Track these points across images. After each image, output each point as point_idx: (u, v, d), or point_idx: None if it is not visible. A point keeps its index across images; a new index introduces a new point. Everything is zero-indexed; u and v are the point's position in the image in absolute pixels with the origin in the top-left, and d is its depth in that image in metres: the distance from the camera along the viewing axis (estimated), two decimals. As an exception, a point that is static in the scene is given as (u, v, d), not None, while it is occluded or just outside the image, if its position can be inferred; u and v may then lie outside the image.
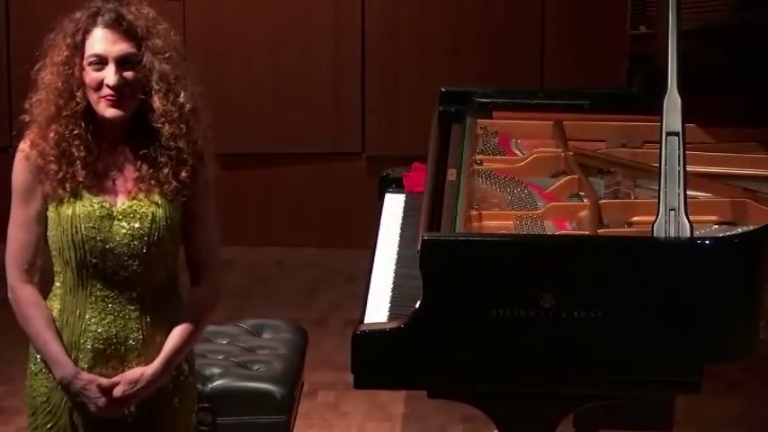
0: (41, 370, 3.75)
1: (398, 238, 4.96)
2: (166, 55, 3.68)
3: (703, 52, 4.75)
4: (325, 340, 5.57)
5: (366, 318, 4.42)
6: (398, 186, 5.33)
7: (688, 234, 4.26)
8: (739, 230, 4.49)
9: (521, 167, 5.08)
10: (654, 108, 4.45)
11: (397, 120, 7.24)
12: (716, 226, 4.59)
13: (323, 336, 5.54)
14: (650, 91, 4.68)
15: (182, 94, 3.69)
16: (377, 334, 4.30)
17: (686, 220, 4.27)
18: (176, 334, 3.76)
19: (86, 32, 3.65)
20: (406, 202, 5.21)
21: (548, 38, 7.42)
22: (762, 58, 5.11)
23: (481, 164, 5.06)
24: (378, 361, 4.31)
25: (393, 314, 4.41)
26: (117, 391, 3.68)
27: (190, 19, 7.35)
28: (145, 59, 3.65)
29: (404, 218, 5.11)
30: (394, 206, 5.24)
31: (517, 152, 5.20)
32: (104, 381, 3.67)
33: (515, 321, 4.24)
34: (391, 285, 4.63)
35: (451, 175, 4.91)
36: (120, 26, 3.64)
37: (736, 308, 4.36)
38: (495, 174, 5.00)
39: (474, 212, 4.66)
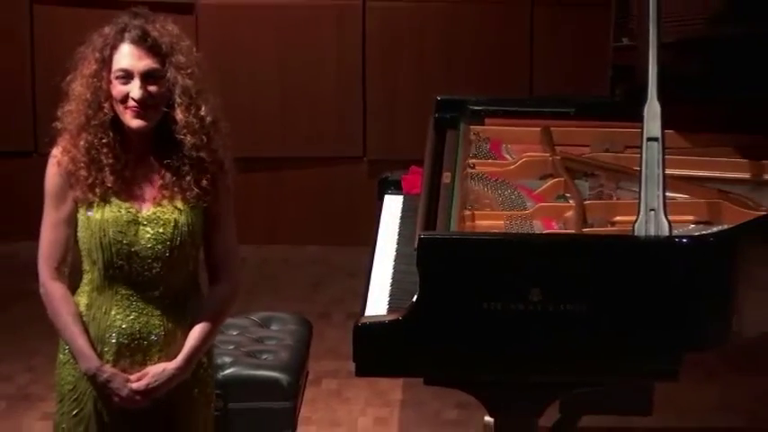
0: (69, 360, 3.75)
1: (397, 237, 4.97)
2: (189, 71, 3.68)
3: (681, 63, 4.76)
4: (328, 332, 5.57)
5: (366, 311, 4.43)
6: (397, 188, 5.34)
7: (667, 233, 4.27)
8: (714, 229, 4.50)
9: (511, 170, 5.08)
10: (635, 115, 4.45)
11: (395, 126, 7.24)
12: (693, 225, 4.59)
13: (326, 327, 5.55)
14: (632, 99, 4.67)
15: (203, 108, 3.69)
16: (377, 326, 4.30)
17: (665, 220, 4.28)
18: (197, 331, 3.76)
19: (114, 48, 3.64)
20: (404, 203, 5.21)
21: (536, 50, 7.43)
22: (735, 70, 5.12)
23: (474, 167, 5.06)
24: (377, 351, 4.31)
25: (392, 307, 4.41)
26: (141, 384, 3.68)
27: (203, 32, 7.35)
28: (168, 74, 3.65)
29: (402, 218, 5.11)
30: (393, 207, 5.24)
31: (507, 156, 5.21)
32: (128, 376, 3.69)
33: (506, 314, 4.25)
34: (390, 281, 4.63)
35: (446, 177, 4.91)
36: (145, 42, 3.64)
37: (712, 302, 4.36)
38: (487, 176, 5.01)
39: (467, 213, 4.66)
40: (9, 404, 5.88)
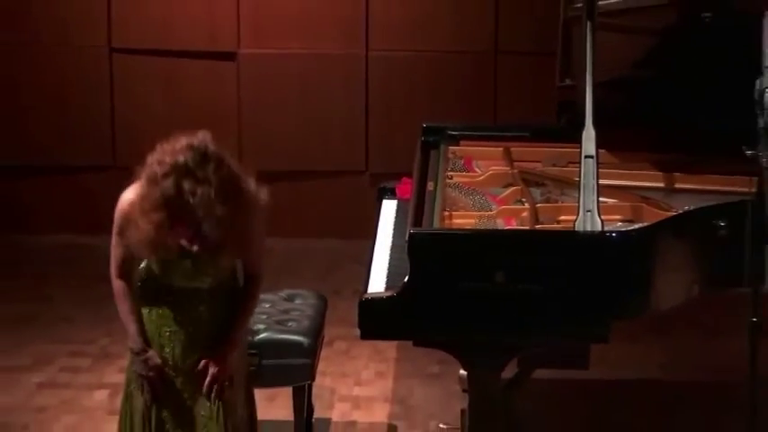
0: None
1: (392, 232, 4.96)
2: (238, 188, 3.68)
3: (610, 98, 4.76)
4: (339, 305, 5.57)
5: (369, 289, 4.42)
6: (392, 195, 5.32)
7: (599, 229, 4.27)
8: (636, 226, 4.50)
9: (480, 181, 5.08)
10: (575, 138, 4.46)
11: (392, 146, 7.23)
12: (620, 223, 4.58)
13: (338, 301, 5.55)
14: (573, 126, 4.68)
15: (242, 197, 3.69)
16: (377, 300, 4.30)
17: (598, 219, 4.28)
18: (236, 318, 3.81)
19: (178, 181, 3.60)
20: (397, 206, 5.20)
21: (499, 88, 7.42)
22: (651, 103, 5.13)
23: (452, 178, 5.06)
24: (377, 320, 4.31)
25: (388, 286, 4.40)
26: (207, 384, 3.72)
27: (242, 74, 7.34)
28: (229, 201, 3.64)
29: (396, 217, 5.11)
30: (389, 209, 5.23)
31: (477, 170, 5.20)
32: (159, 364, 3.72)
33: (476, 292, 4.25)
34: (387, 266, 4.63)
35: (430, 186, 4.91)
36: (206, 187, 3.60)
37: (634, 282, 4.37)
38: (462, 186, 5.01)
39: (446, 213, 4.66)
40: (94, 360, 5.87)
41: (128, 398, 3.83)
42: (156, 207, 3.59)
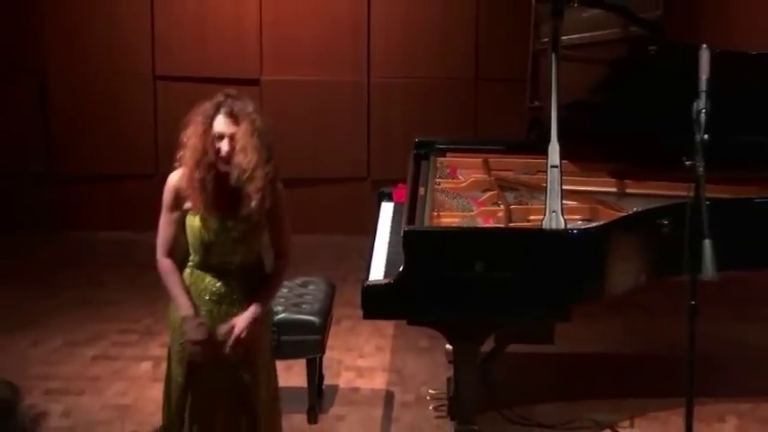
0: (176, 310, 3.73)
1: (390, 230, 4.96)
2: (259, 131, 3.65)
3: (572, 117, 4.76)
4: (345, 290, 5.58)
5: (370, 277, 4.42)
6: (390, 198, 5.30)
7: (563, 227, 4.27)
8: (593, 225, 4.50)
9: (463, 187, 5.07)
10: (543, 151, 4.46)
11: (390, 157, 7.23)
12: (580, 222, 4.59)
13: (344, 287, 5.55)
14: (541, 140, 4.68)
15: (264, 159, 3.65)
16: (377, 287, 4.30)
17: (562, 219, 4.27)
18: (263, 291, 3.75)
19: (213, 116, 3.61)
20: (394, 207, 5.19)
21: (479, 108, 7.42)
22: (605, 122, 5.12)
23: (439, 185, 5.06)
24: (377, 303, 4.31)
25: (387, 274, 4.40)
26: (233, 338, 3.64)
27: (265, 97, 7.34)
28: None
29: (393, 217, 5.10)
30: (387, 210, 5.22)
31: (461, 177, 5.20)
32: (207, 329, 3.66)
33: (460, 279, 4.24)
34: (385, 257, 4.62)
35: (421, 191, 4.91)
36: (233, 116, 3.61)
37: (591, 272, 4.36)
38: (448, 190, 5.00)
39: (435, 213, 4.65)
40: (140, 337, 5.87)
41: (170, 368, 3.80)
42: (197, 122, 3.61)
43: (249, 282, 3.74)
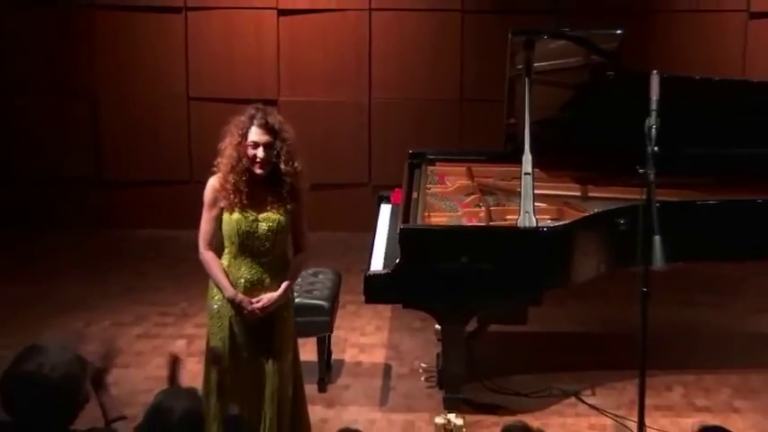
0: (214, 296, 3.74)
1: (388, 227, 4.98)
2: (288, 142, 3.68)
3: (543, 132, 4.77)
4: (350, 279, 5.58)
5: (371, 268, 4.45)
6: (388, 201, 5.33)
7: (535, 225, 4.29)
8: (560, 223, 4.51)
9: (450, 191, 5.10)
10: (518, 160, 4.48)
11: (388, 165, 7.19)
12: (549, 221, 4.61)
13: (349, 276, 5.56)
14: (516, 152, 4.70)
15: (294, 160, 3.70)
16: (377, 276, 4.33)
17: (534, 218, 4.30)
18: (288, 276, 3.77)
19: (248, 128, 3.63)
20: (391, 209, 5.22)
21: (463, 123, 7.41)
22: (572, 135, 5.13)
23: (430, 189, 5.09)
24: (377, 289, 4.33)
25: (385, 266, 4.43)
26: (259, 305, 3.68)
27: (282, 115, 7.30)
28: (277, 143, 3.66)
29: (391, 217, 5.13)
30: (385, 211, 5.25)
31: (448, 183, 5.22)
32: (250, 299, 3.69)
33: (447, 269, 4.26)
34: (384, 251, 4.65)
35: (415, 195, 4.93)
36: (266, 126, 3.63)
37: (558, 263, 4.38)
38: (437, 194, 5.03)
39: (426, 214, 4.68)
40: (176, 318, 5.86)
41: (210, 345, 3.80)
42: (233, 133, 3.64)
43: (277, 271, 3.74)
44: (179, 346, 5.43)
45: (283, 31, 7.36)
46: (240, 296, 3.68)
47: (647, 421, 4.10)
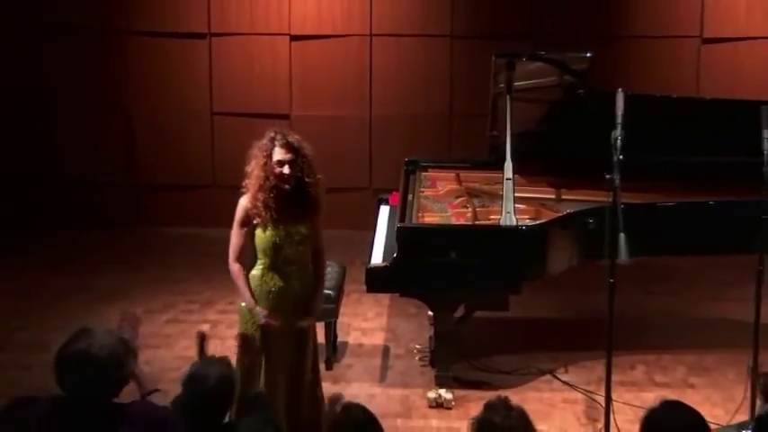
0: (243, 304, 3.73)
1: (386, 226, 4.98)
2: (308, 157, 3.67)
3: (522, 142, 4.77)
4: (353, 271, 5.56)
5: (372, 261, 4.44)
6: (386, 202, 5.34)
7: (515, 224, 4.29)
8: (537, 222, 4.52)
9: (441, 194, 5.10)
10: (500, 167, 4.48)
11: (386, 171, 7.19)
12: (528, 220, 4.61)
13: (352, 269, 5.55)
14: (499, 160, 4.70)
15: (315, 175, 3.68)
16: (377, 268, 4.32)
17: (514, 218, 4.29)
18: (318, 284, 3.77)
19: (271, 150, 3.61)
20: (390, 209, 5.22)
21: (453, 136, 7.42)
22: (548, 145, 5.13)
23: (423, 193, 5.09)
24: (377, 280, 4.33)
25: (384, 259, 4.43)
26: (268, 321, 3.65)
27: (294, 129, 7.31)
28: (299, 161, 3.64)
29: (389, 216, 5.13)
30: (384, 211, 5.25)
31: (439, 187, 5.22)
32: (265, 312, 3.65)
33: (439, 263, 4.26)
34: (383, 247, 4.65)
35: (410, 197, 4.93)
36: (288, 145, 3.62)
37: (535, 257, 4.38)
38: (429, 197, 5.03)
39: (420, 214, 4.68)
40: (201, 306, 5.85)
41: (244, 330, 3.77)
42: (258, 156, 3.62)
43: (303, 276, 3.72)
44: (203, 330, 5.43)
45: (295, 54, 7.37)
46: (257, 308, 3.65)
47: (614, 396, 4.11)
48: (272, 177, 3.60)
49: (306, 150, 3.66)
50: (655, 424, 2.49)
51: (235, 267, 3.67)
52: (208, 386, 2.77)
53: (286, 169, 3.59)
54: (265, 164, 3.61)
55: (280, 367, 3.71)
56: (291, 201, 3.65)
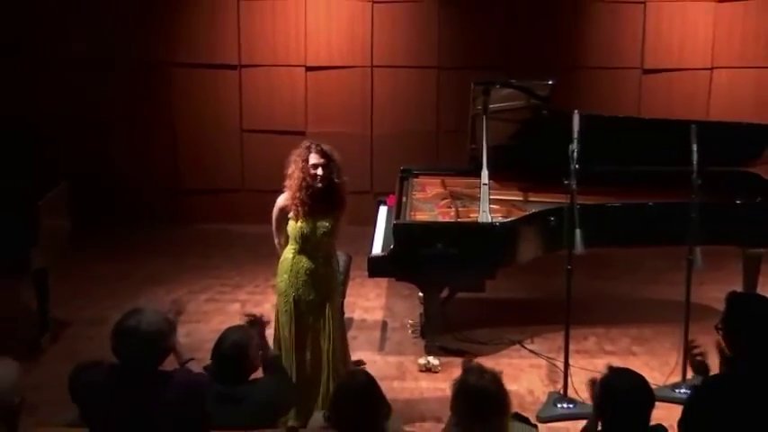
0: (280, 281, 3.75)
1: (384, 223, 4.99)
2: (337, 162, 3.69)
3: (496, 154, 4.78)
4: (358, 259, 5.54)
5: (373, 251, 4.46)
6: (384, 203, 5.33)
7: (490, 221, 4.29)
8: (508, 219, 4.53)
9: (429, 197, 5.10)
10: (479, 174, 4.49)
11: (384, 177, 7.15)
12: (501, 218, 4.62)
13: (357, 258, 5.53)
14: (477, 168, 4.71)
15: (342, 176, 3.73)
16: (377, 258, 4.34)
17: (490, 216, 4.30)
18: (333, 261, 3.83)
19: (308, 155, 3.64)
20: (387, 210, 5.22)
21: (440, 149, 7.39)
22: (518, 156, 5.13)
23: (415, 195, 5.09)
24: (377, 267, 4.34)
25: (383, 250, 4.43)
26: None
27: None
28: (330, 164, 3.67)
29: (387, 215, 5.13)
30: (383, 211, 5.25)
31: (428, 191, 5.22)
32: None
33: (429, 255, 4.28)
34: (382, 240, 4.66)
35: (404, 199, 4.94)
36: (321, 152, 3.65)
37: (507, 248, 4.38)
38: (420, 199, 5.03)
39: (412, 213, 4.69)
40: (232, 288, 5.84)
41: (279, 320, 3.78)
42: (297, 161, 3.63)
43: (327, 261, 3.75)
44: (234, 308, 5.44)
45: (310, 82, 7.36)
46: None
47: (571, 361, 4.17)
48: (308, 178, 3.62)
49: (335, 156, 3.70)
50: (610, 386, 2.60)
51: (279, 247, 3.79)
52: (223, 347, 2.95)
53: (320, 171, 3.63)
54: (303, 167, 3.65)
55: (305, 331, 3.75)
56: (322, 198, 3.68)
